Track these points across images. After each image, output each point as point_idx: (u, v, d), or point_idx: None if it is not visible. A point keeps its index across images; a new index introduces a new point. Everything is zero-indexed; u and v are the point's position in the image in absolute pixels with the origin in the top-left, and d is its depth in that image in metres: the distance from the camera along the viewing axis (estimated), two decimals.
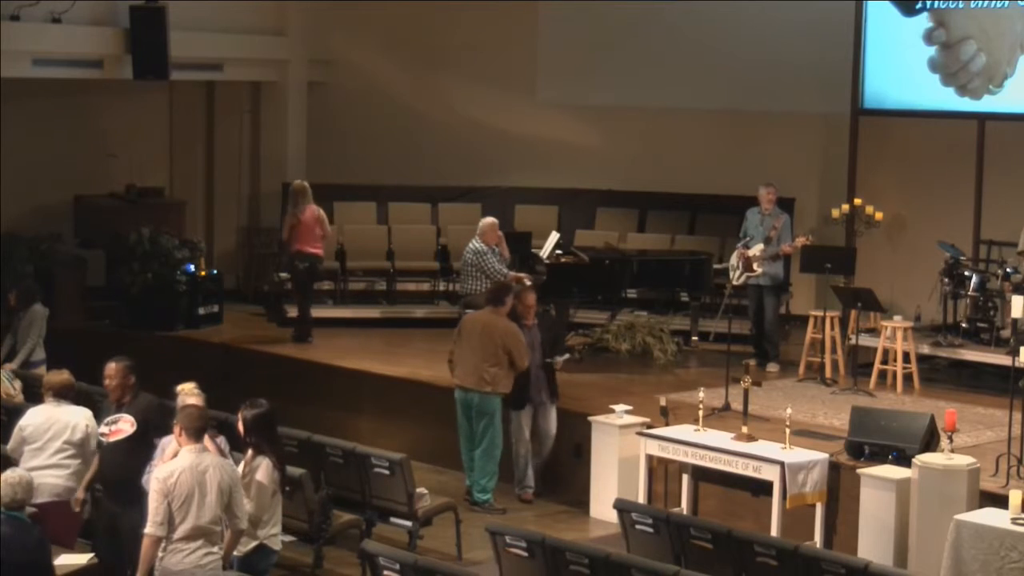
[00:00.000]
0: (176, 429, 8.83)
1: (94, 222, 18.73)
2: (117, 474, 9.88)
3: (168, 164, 20.38)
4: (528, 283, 14.75)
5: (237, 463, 9.29)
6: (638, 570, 9.07)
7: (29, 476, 8.43)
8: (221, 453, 9.42)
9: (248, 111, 20.01)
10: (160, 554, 8.57)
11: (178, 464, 8.64)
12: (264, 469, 9.06)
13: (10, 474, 8.34)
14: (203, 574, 8.55)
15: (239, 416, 9.25)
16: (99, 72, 17.58)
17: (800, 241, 15.36)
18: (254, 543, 9.07)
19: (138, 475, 9.60)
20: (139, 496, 9.42)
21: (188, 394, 9.69)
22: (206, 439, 9.36)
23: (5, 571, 7.96)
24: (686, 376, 15.05)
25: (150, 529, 8.56)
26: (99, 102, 19.29)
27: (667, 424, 12.70)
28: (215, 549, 8.68)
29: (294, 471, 10.41)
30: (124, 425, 9.81)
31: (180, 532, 8.54)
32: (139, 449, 9.75)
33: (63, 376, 10.38)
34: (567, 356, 13.79)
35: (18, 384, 12.94)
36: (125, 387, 9.99)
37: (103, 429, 9.92)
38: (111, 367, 10.03)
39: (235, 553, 9.00)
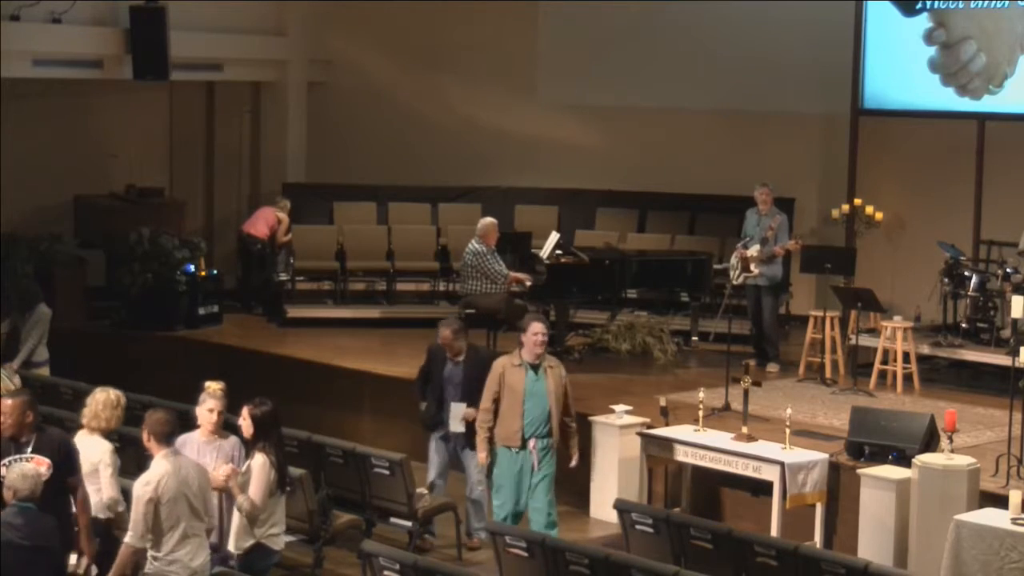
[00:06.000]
0: (144, 435, 8.58)
1: (94, 222, 18.73)
2: None
3: (168, 164, 20.39)
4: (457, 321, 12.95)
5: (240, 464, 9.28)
6: (638, 570, 9.06)
7: (38, 470, 8.40)
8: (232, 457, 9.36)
9: (248, 111, 20.03)
10: (154, 564, 8.47)
11: (158, 471, 8.46)
12: (261, 468, 9.03)
13: (24, 465, 8.36)
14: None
15: (244, 415, 9.20)
16: (99, 72, 17.59)
17: (790, 245, 15.28)
18: (252, 542, 9.06)
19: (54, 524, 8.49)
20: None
21: (210, 394, 9.47)
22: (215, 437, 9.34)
23: (25, 556, 8.00)
24: (686, 376, 15.04)
25: (132, 540, 8.40)
26: (99, 102, 19.29)
27: (667, 424, 12.70)
28: (203, 547, 8.63)
29: (294, 471, 10.39)
30: (39, 468, 8.71)
31: (172, 540, 8.44)
32: (55, 494, 8.74)
33: None
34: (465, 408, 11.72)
35: (17, 379, 12.93)
36: (23, 425, 8.89)
37: (5, 473, 8.61)
38: (6, 404, 8.89)
39: (235, 551, 9.00)
